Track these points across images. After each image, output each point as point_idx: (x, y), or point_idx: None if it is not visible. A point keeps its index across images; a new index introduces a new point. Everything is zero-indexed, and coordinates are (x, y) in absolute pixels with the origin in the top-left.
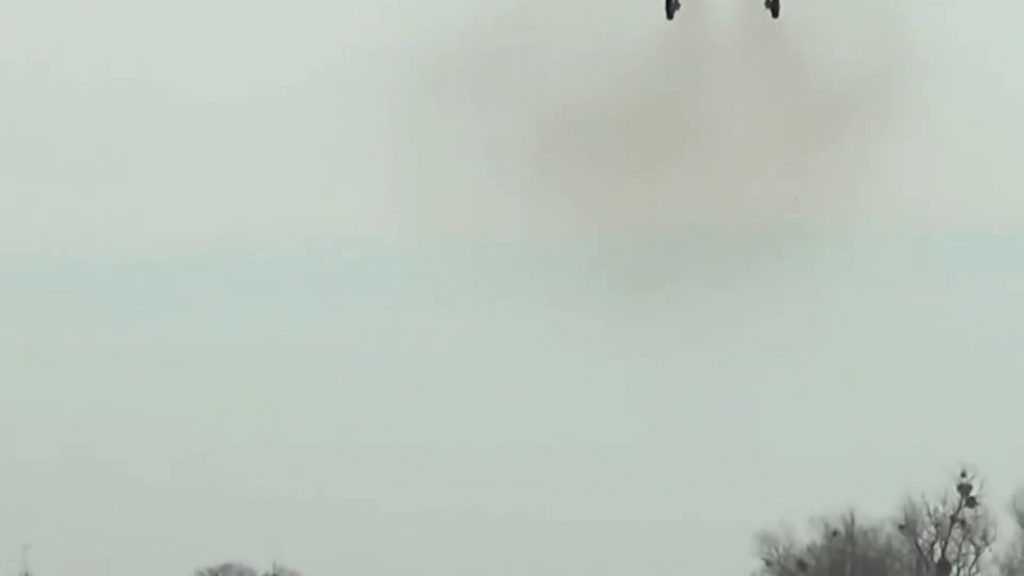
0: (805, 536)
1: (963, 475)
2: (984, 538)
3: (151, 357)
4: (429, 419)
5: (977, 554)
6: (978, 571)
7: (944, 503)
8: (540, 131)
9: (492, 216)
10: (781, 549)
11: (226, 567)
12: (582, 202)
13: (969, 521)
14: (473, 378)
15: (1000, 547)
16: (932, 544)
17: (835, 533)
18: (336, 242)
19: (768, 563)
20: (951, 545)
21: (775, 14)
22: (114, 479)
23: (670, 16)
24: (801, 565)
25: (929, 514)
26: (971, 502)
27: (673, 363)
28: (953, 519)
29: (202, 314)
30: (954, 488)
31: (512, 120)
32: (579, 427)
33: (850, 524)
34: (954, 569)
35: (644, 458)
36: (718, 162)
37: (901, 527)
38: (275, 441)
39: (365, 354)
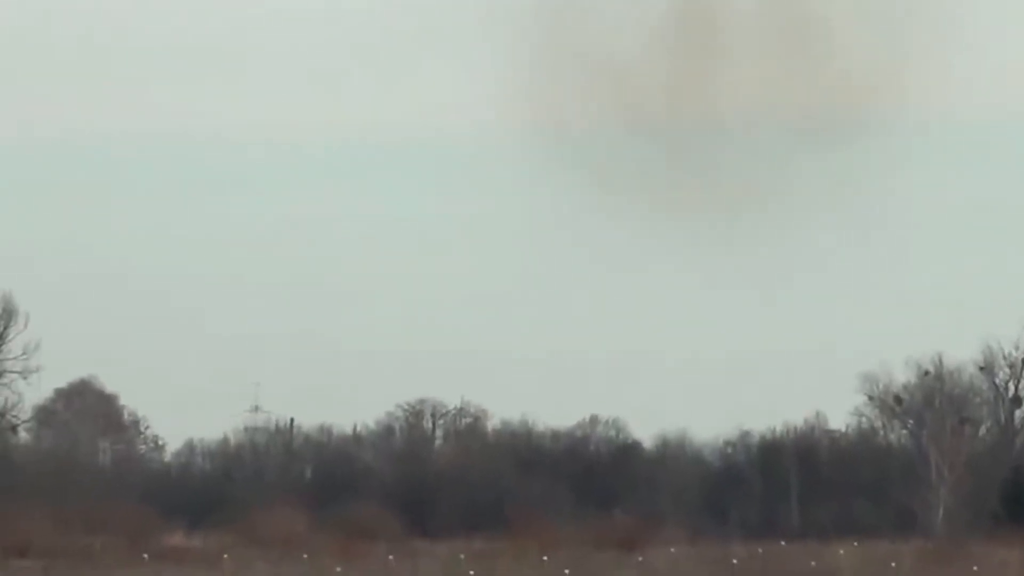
0: (901, 375)
1: None
2: None
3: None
4: None
5: None
6: None
7: (1017, 348)
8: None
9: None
10: (881, 386)
11: (421, 401)
12: (662, 92)
13: None
14: None
15: None
16: (1007, 382)
17: (926, 373)
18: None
19: (870, 398)
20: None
21: None
22: (332, 322)
23: None
24: (897, 399)
25: (1004, 357)
26: None
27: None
28: None
29: None
30: None
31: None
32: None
33: (939, 365)
34: None
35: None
36: (798, 48)
37: (981, 368)
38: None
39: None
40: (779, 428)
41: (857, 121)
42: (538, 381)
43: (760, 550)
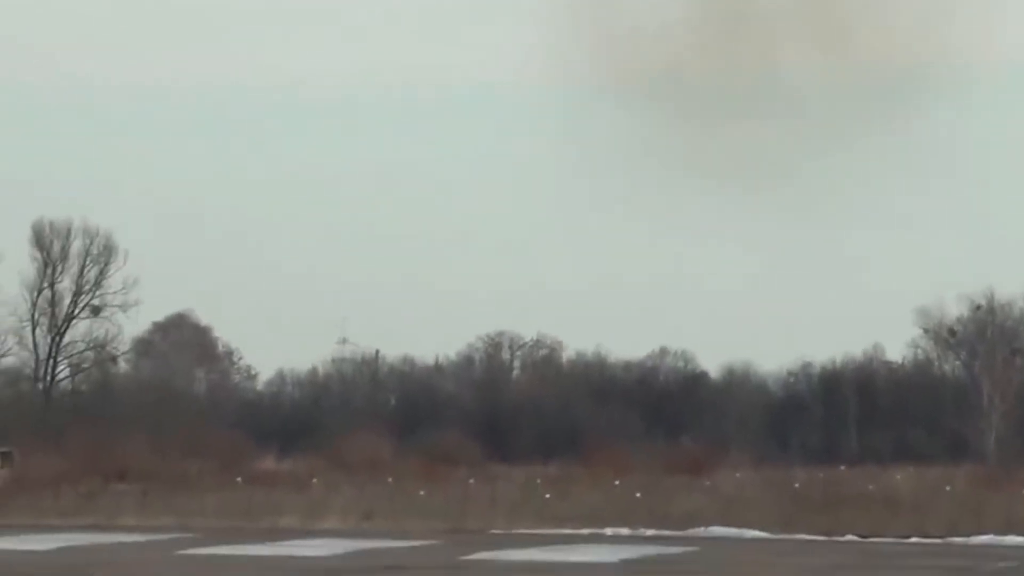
0: (955, 309)
1: None
2: None
3: None
4: None
5: None
6: None
7: None
8: None
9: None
10: (936, 320)
11: (500, 333)
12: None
13: None
14: None
15: None
16: None
17: (979, 307)
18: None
19: (926, 331)
20: None
21: None
22: (415, 260)
23: None
24: (951, 332)
25: None
26: None
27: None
28: None
29: None
30: None
31: None
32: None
33: (991, 299)
34: None
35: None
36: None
37: None
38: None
39: None
40: (839, 359)
41: (907, 73)
42: (610, 314)
43: (820, 475)
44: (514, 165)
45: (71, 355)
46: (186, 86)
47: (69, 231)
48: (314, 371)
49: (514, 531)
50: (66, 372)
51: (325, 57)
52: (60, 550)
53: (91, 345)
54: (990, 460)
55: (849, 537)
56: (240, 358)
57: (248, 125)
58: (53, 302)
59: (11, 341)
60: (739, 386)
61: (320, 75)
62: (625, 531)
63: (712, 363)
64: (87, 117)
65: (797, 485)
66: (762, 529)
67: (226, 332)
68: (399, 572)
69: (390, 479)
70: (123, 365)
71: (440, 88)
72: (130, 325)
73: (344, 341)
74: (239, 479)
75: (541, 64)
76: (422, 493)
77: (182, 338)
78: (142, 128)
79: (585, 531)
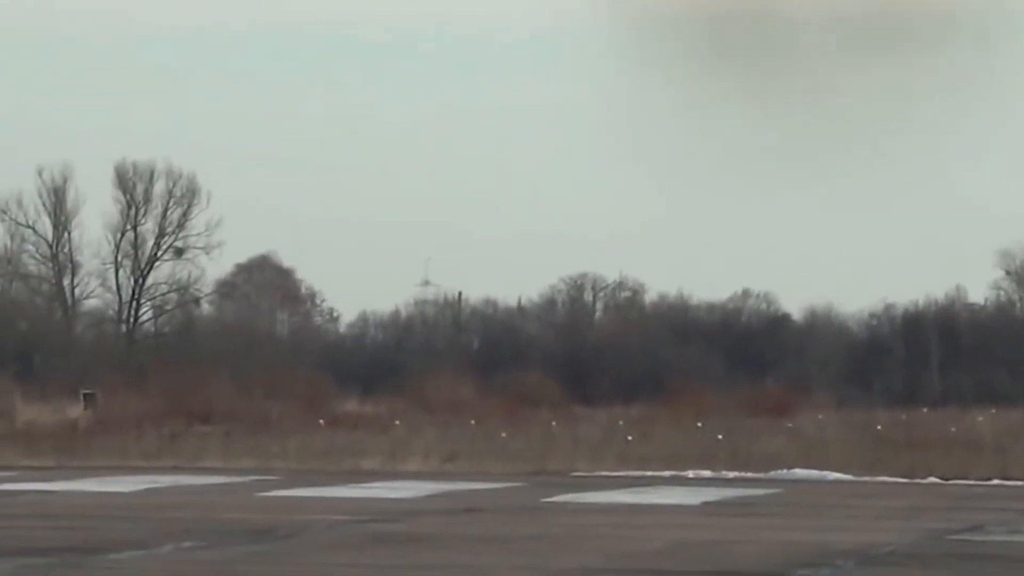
0: None
1: None
2: None
3: None
4: None
5: None
6: None
7: None
8: None
9: None
10: (1018, 262)
11: (582, 275)
12: None
13: None
14: None
15: None
16: None
17: None
18: None
19: (1007, 273)
20: None
21: None
22: (497, 202)
23: None
24: None
25: None
26: None
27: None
28: None
29: None
30: None
31: None
32: None
33: None
34: None
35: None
36: None
37: None
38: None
39: None
40: (921, 301)
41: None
42: (693, 256)
43: (902, 417)
44: (595, 105)
45: (154, 297)
46: (263, 25)
47: (152, 173)
48: (396, 313)
49: (596, 473)
50: (149, 314)
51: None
52: (143, 491)
53: (174, 287)
54: None
55: (931, 479)
56: (323, 300)
57: (326, 66)
58: (136, 244)
59: (94, 283)
60: (821, 328)
61: (383, 16)
62: (707, 473)
63: (794, 305)
64: (169, 60)
65: (879, 427)
66: (844, 471)
67: (309, 274)
68: (481, 514)
69: (472, 421)
70: (206, 307)
71: (503, 30)
72: (213, 267)
73: (427, 283)
74: (321, 421)
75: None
76: (504, 435)
77: (265, 280)
78: (223, 69)
79: (667, 473)
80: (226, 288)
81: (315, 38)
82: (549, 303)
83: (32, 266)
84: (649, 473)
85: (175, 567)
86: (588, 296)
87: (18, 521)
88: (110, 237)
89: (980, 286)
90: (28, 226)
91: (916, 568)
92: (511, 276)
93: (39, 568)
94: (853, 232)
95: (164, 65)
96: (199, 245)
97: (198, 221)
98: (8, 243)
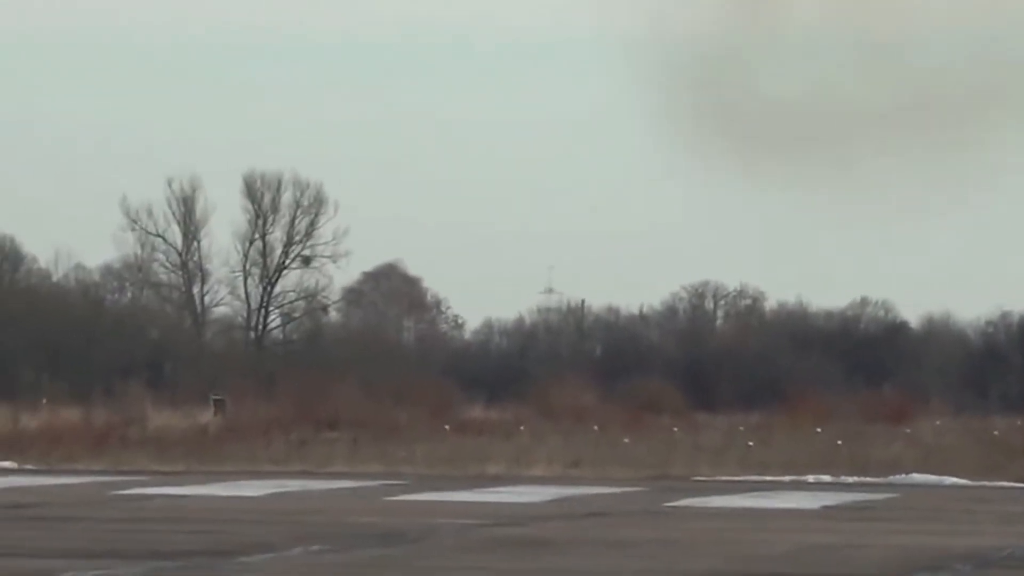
0: None
1: None
2: None
3: None
4: None
5: None
6: None
7: None
8: None
9: None
10: None
11: (703, 283)
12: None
13: None
14: None
15: None
16: None
17: None
18: None
19: None
20: None
21: None
22: (620, 211)
23: None
24: None
25: None
26: None
27: None
28: None
29: None
30: None
31: None
32: None
33: None
34: None
35: None
36: None
37: None
38: None
39: None
40: None
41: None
42: (812, 264)
43: (1019, 422)
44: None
45: (282, 304)
46: (389, 33)
47: (280, 183)
48: (520, 320)
49: (717, 478)
50: (277, 321)
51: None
52: (272, 496)
53: (302, 295)
54: None
55: None
56: (448, 308)
57: (450, 76)
58: (264, 253)
59: (224, 291)
60: (938, 336)
61: (496, 24)
62: (826, 478)
63: (912, 313)
64: (295, 73)
65: (996, 433)
66: (962, 476)
67: (434, 282)
68: (604, 518)
69: (595, 427)
70: (333, 314)
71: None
72: (340, 275)
73: (550, 291)
74: (447, 427)
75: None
76: (626, 441)
77: (391, 288)
78: (349, 81)
79: (787, 478)
80: (353, 296)
81: (441, 47)
82: (670, 311)
83: (162, 275)
84: (769, 478)
85: (304, 570)
86: (709, 304)
87: (150, 525)
88: (239, 246)
89: None
90: (158, 235)
91: None
92: (633, 284)
93: (171, 571)
94: (970, 241)
95: (290, 78)
96: (326, 254)
97: (325, 230)
98: (139, 252)
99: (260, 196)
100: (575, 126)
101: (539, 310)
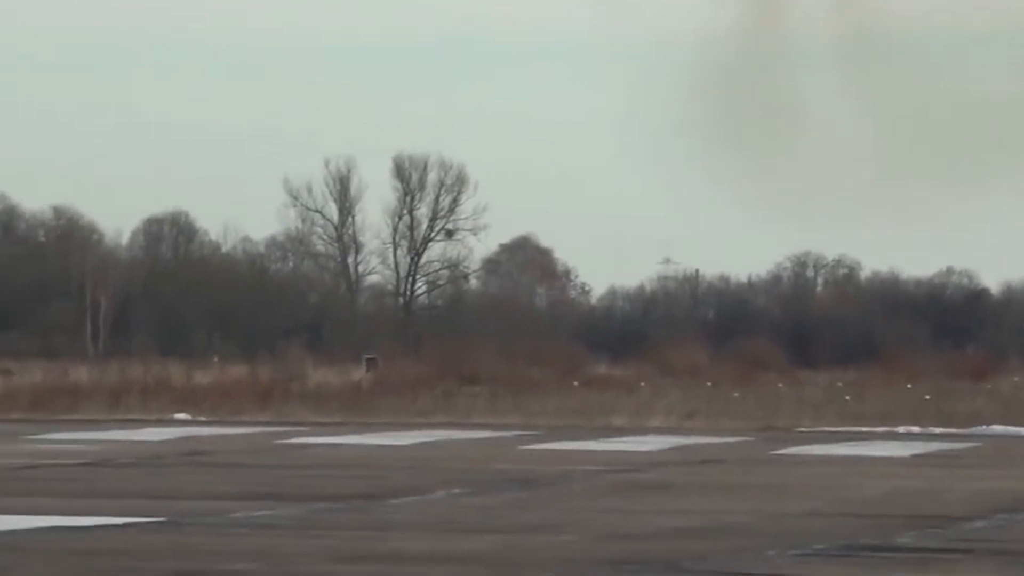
0: None
1: None
2: None
3: None
4: None
5: None
6: None
7: None
8: None
9: None
10: None
11: (805, 253)
12: None
13: None
14: None
15: None
16: None
17: None
18: None
19: None
20: None
21: None
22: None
23: None
24: None
25: None
26: None
27: None
28: None
29: None
30: None
31: None
32: None
33: None
34: None
35: None
36: None
37: None
38: None
39: None
40: None
41: None
42: (903, 236)
43: None
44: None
45: (428, 273)
46: (527, 32)
47: (426, 164)
48: (641, 288)
49: (818, 429)
50: (423, 288)
51: None
52: (419, 445)
53: (445, 264)
54: None
55: None
56: (576, 276)
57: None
58: (412, 226)
59: (375, 261)
60: (1017, 301)
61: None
62: (916, 429)
63: (993, 281)
64: (439, 64)
65: None
66: None
67: (564, 253)
68: (716, 465)
69: (708, 383)
70: (473, 282)
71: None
72: (480, 247)
73: (668, 261)
74: (576, 383)
75: None
76: (736, 395)
77: (526, 258)
78: (485, 73)
79: (880, 429)
80: (491, 265)
81: (573, 41)
82: (775, 278)
83: (320, 246)
84: (864, 429)
85: (448, 511)
86: (810, 272)
87: (310, 470)
88: (388, 221)
89: None
90: (317, 211)
91: None
92: (742, 255)
93: (328, 512)
94: None
95: (436, 71)
96: (467, 227)
97: (467, 206)
98: (299, 226)
99: (408, 176)
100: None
101: (658, 278)
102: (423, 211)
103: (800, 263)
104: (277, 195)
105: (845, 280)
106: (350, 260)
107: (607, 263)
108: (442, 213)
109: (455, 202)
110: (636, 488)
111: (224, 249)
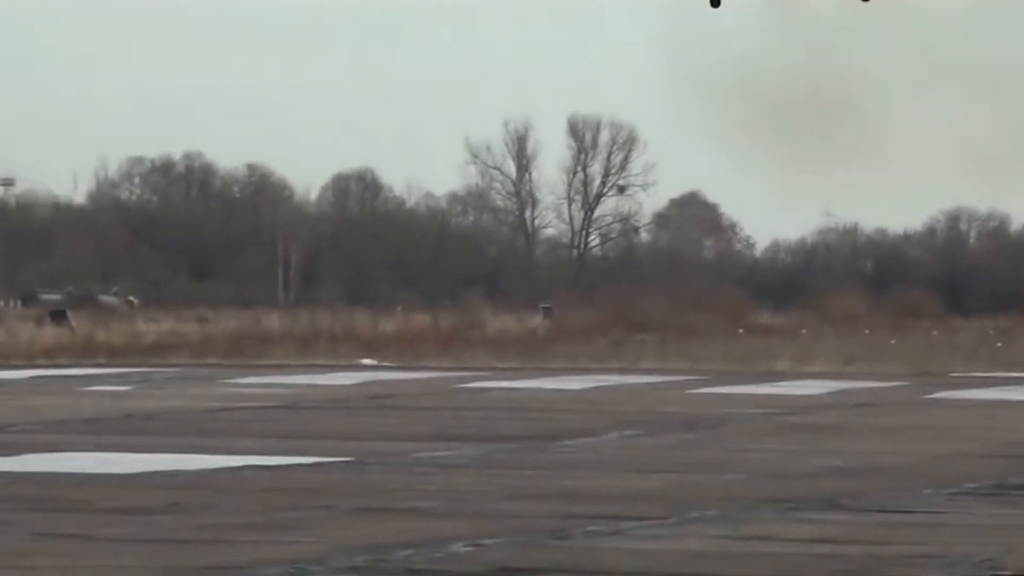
0: None
1: None
2: None
3: None
4: None
5: None
6: None
7: None
8: None
9: None
10: None
11: (958, 208)
12: None
13: None
14: None
15: None
16: None
17: None
18: None
19: None
20: None
21: None
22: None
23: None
24: None
25: None
26: None
27: None
28: None
29: None
30: None
31: None
32: None
33: None
34: None
35: None
36: None
37: None
38: None
39: None
40: None
41: None
42: None
43: None
44: None
45: (600, 227)
46: None
47: (599, 124)
48: (803, 240)
49: (970, 374)
50: (596, 241)
51: None
52: (592, 388)
53: (617, 219)
54: None
55: None
56: (741, 229)
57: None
58: (585, 183)
59: (551, 216)
60: None
61: None
62: None
63: None
64: (614, 28)
65: None
66: None
67: (730, 208)
68: (872, 408)
69: (866, 330)
70: (644, 235)
71: None
72: (650, 202)
73: (829, 214)
74: (740, 330)
75: None
76: (892, 342)
77: (693, 213)
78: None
79: None
80: (661, 220)
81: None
82: (930, 232)
83: (499, 201)
84: (1015, 374)
85: (619, 451)
86: (963, 225)
87: (488, 413)
88: (563, 177)
89: None
90: (496, 168)
91: None
92: (899, 209)
93: (507, 451)
94: None
95: (608, 35)
96: (638, 184)
97: (637, 164)
98: (479, 182)
99: (582, 135)
100: None
101: (819, 231)
102: (596, 168)
103: (953, 217)
104: (458, 153)
105: (996, 233)
106: (527, 214)
107: (770, 217)
108: (614, 170)
109: (626, 160)
110: (796, 430)
111: (408, 204)
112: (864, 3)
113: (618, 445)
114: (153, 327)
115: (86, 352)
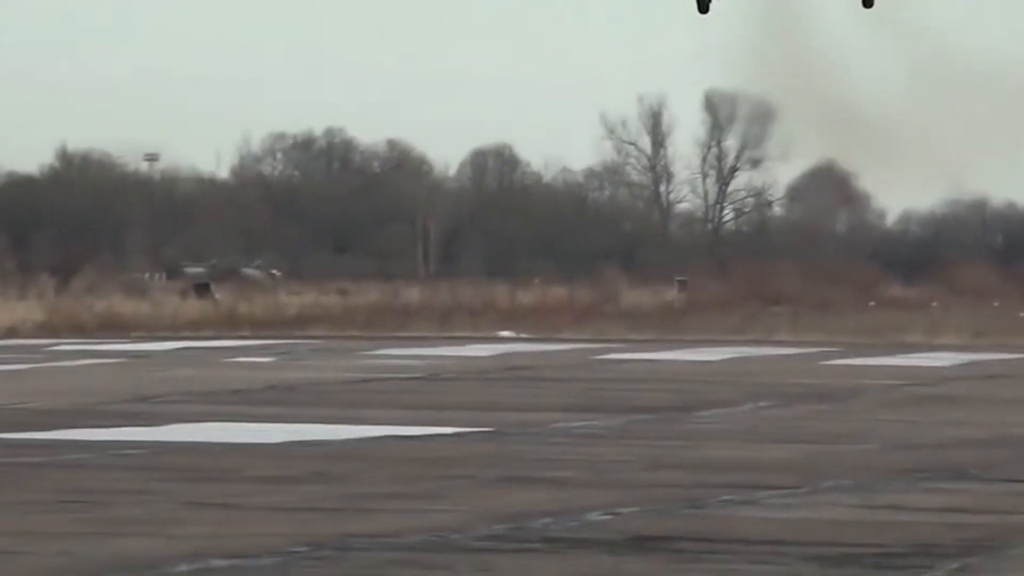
0: None
1: None
2: None
3: None
4: None
5: None
6: None
7: None
8: None
9: None
10: None
11: None
12: None
13: None
14: None
15: None
16: None
17: None
18: None
19: None
20: None
21: None
22: None
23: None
24: None
25: None
26: None
27: None
28: None
29: None
30: None
31: None
32: None
33: None
34: None
35: None
36: None
37: None
38: None
39: None
40: None
41: None
42: None
43: None
44: None
45: (735, 201)
46: None
47: (735, 99)
48: (933, 212)
49: None
50: (731, 215)
51: None
52: (727, 360)
53: (752, 192)
54: None
55: None
56: (875, 202)
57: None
58: (720, 157)
59: (685, 190)
60: None
61: None
62: None
63: None
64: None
65: None
66: None
67: (863, 180)
68: (1003, 379)
69: (996, 303)
70: (777, 209)
71: None
72: (784, 175)
73: (958, 187)
74: (872, 303)
75: None
76: (1022, 315)
77: (827, 185)
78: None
79: None
80: (795, 193)
81: None
82: None
83: (634, 176)
84: None
85: (752, 422)
86: None
87: (624, 384)
88: (698, 151)
89: None
90: (631, 143)
91: None
92: None
93: (644, 422)
94: None
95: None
96: (773, 157)
97: (773, 137)
98: (615, 157)
99: (718, 110)
100: None
101: (949, 204)
102: (730, 143)
103: None
104: (594, 129)
105: None
106: (662, 189)
107: (903, 189)
108: (749, 144)
109: (761, 134)
110: (926, 400)
111: (545, 179)
112: None
113: (752, 416)
114: (295, 300)
115: (230, 324)
